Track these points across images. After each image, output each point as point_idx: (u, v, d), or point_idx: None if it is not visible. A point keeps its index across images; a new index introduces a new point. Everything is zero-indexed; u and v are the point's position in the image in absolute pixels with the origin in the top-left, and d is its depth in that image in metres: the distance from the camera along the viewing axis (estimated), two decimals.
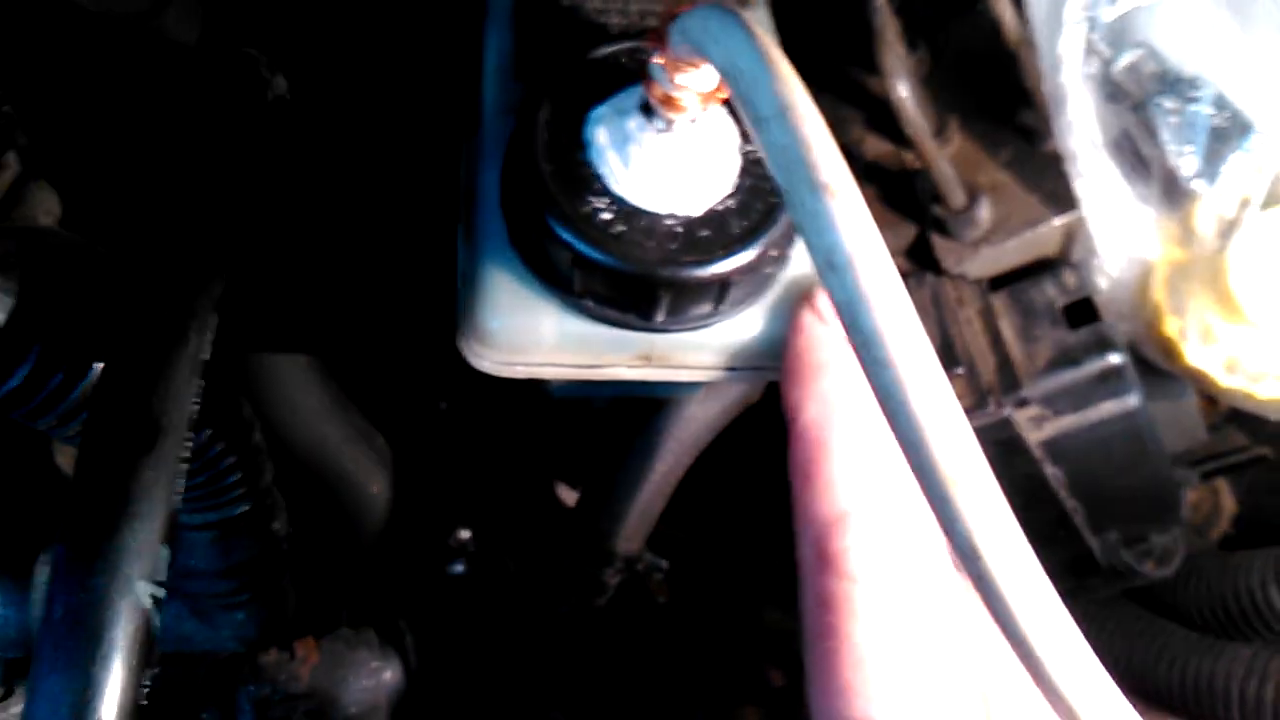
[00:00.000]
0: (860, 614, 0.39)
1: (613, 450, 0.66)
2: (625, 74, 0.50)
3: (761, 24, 0.58)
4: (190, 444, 0.38)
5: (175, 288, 0.40)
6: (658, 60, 0.42)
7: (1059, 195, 0.61)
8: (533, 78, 0.55)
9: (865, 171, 0.68)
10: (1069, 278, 0.60)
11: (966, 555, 0.30)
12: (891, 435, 0.42)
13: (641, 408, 0.65)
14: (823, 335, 0.47)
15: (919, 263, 0.65)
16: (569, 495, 0.84)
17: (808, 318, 0.48)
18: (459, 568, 0.82)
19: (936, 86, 0.67)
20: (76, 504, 0.35)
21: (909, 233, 0.65)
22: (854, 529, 0.41)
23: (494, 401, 0.82)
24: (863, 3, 0.59)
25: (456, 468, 0.79)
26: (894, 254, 0.68)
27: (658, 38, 0.41)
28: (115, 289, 0.43)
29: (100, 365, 0.43)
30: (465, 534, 0.84)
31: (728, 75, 0.36)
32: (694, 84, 0.42)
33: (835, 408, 0.44)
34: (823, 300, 0.48)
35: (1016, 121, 0.64)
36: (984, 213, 0.61)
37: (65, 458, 0.60)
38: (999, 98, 0.66)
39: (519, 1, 0.59)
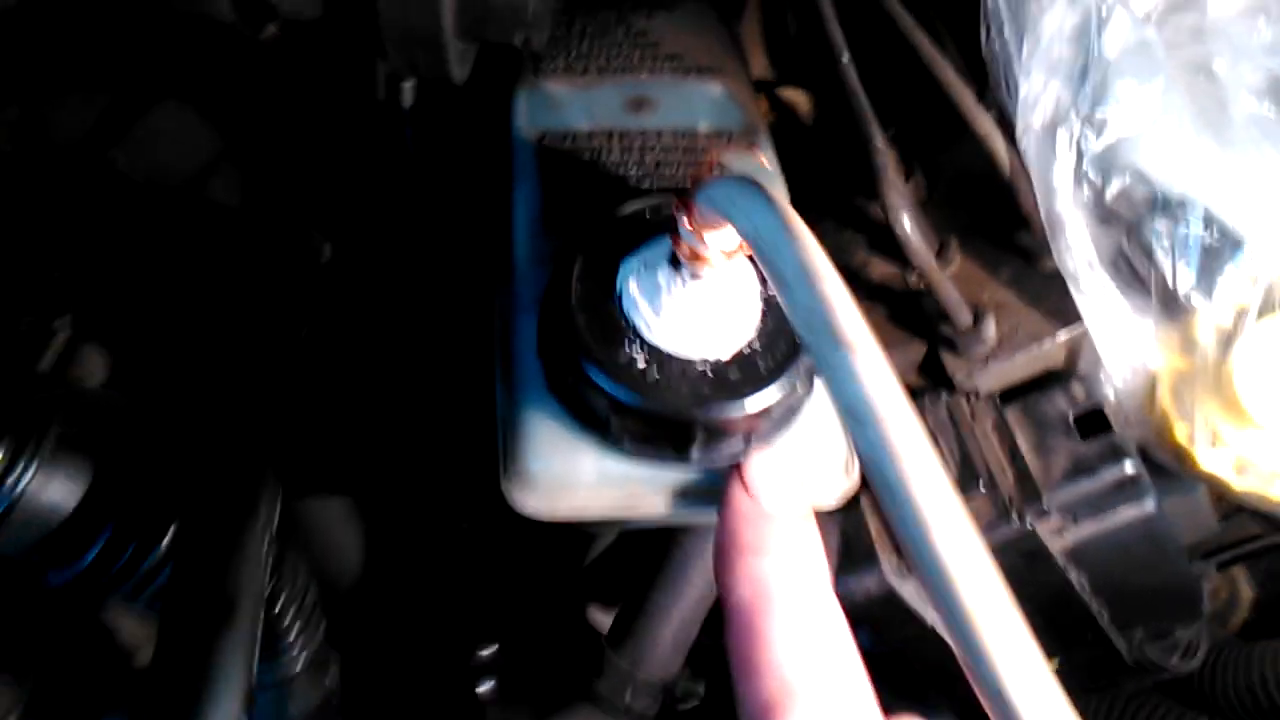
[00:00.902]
0: None
1: (646, 575, 0.68)
2: (651, 227, 0.53)
3: (777, 187, 0.62)
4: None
5: (245, 458, 0.42)
6: (685, 222, 0.45)
7: (1061, 310, 0.64)
8: (563, 231, 0.59)
9: (871, 292, 0.71)
10: (1077, 390, 0.62)
11: (995, 699, 0.31)
12: (827, 614, 0.44)
13: (674, 531, 0.67)
14: (751, 512, 0.47)
15: (930, 378, 0.68)
16: (603, 617, 0.85)
17: (736, 493, 0.48)
18: (488, 686, 0.83)
19: (934, 208, 0.71)
20: (159, 684, 0.37)
21: (918, 350, 0.68)
22: (791, 715, 0.40)
23: (521, 525, 0.84)
24: (864, 144, 0.63)
25: (484, 589, 0.80)
26: (905, 370, 0.71)
27: (684, 203, 0.44)
28: (182, 459, 0.45)
29: (169, 537, 0.45)
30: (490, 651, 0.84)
31: (752, 240, 0.39)
32: (718, 242, 0.45)
33: (767, 591, 0.44)
34: (752, 471, 0.48)
35: (1015, 241, 0.68)
36: (990, 330, 0.64)
37: (127, 621, 0.61)
38: (996, 219, 0.69)
39: (543, 159, 0.63)
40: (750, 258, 0.48)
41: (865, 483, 0.45)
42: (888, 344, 0.72)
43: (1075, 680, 0.75)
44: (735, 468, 0.49)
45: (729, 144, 0.65)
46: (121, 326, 0.70)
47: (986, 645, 0.32)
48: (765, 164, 0.62)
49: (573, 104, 0.67)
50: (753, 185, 0.39)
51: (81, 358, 0.67)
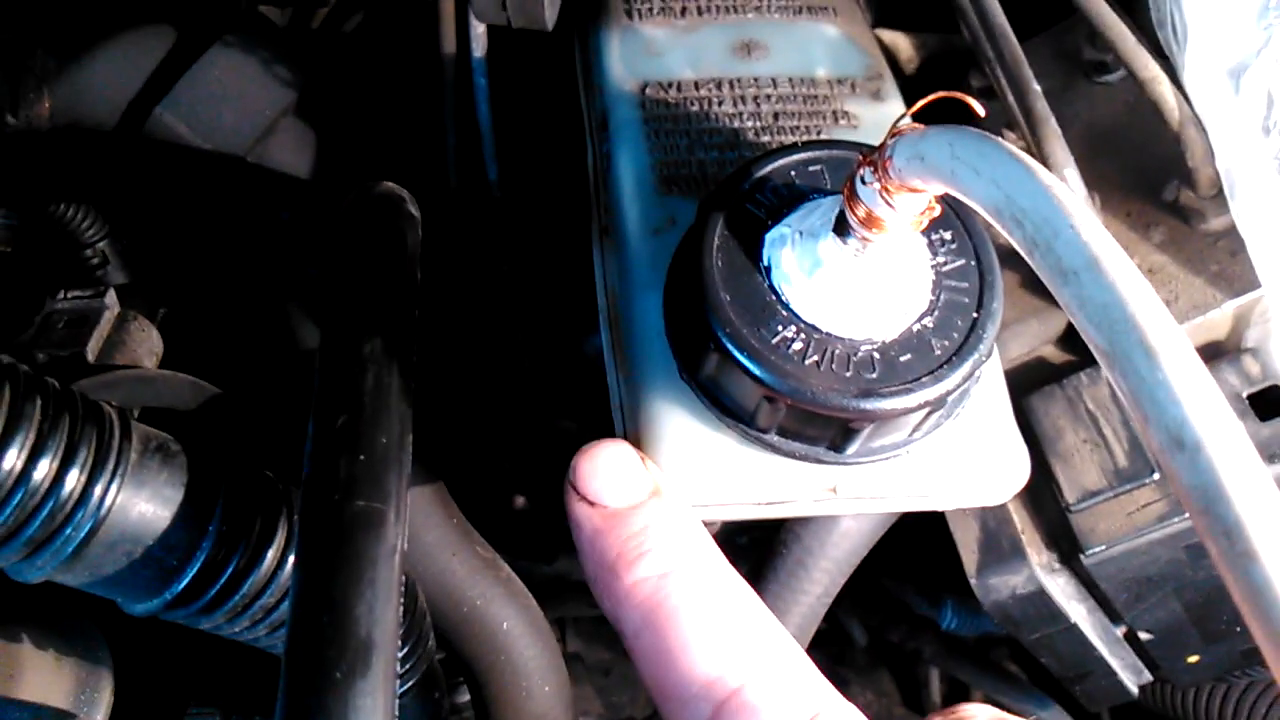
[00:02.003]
0: None
1: (761, 569, 0.62)
2: (795, 191, 0.46)
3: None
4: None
5: (371, 466, 0.36)
6: (871, 180, 0.38)
7: (1227, 276, 0.58)
8: (680, 195, 0.52)
9: (1003, 256, 0.64)
10: (1250, 365, 0.56)
11: None
12: (733, 598, 0.39)
13: (791, 520, 0.61)
14: (601, 525, 0.41)
15: (1075, 351, 0.61)
16: None
17: (578, 508, 0.41)
18: None
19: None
20: None
21: (1059, 321, 0.62)
22: None
23: None
24: (1016, 90, 0.56)
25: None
26: (1044, 343, 0.64)
27: (873, 159, 0.38)
28: (285, 455, 0.39)
29: (275, 549, 0.39)
30: None
31: (1002, 216, 0.32)
32: (908, 206, 0.39)
33: (658, 603, 0.38)
34: (583, 475, 0.42)
35: (1164, 199, 0.61)
36: None
37: None
38: (1137, 176, 0.62)
39: (647, 113, 0.56)
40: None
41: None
42: (1024, 313, 0.65)
43: (1211, 671, 0.70)
44: (567, 483, 0.42)
45: (853, 92, 0.58)
46: (174, 303, 0.63)
47: None
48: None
49: (674, 49, 0.60)
50: (998, 144, 0.33)
51: (132, 337, 0.60)
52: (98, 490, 0.35)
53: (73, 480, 0.35)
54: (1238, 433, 0.27)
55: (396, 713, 0.33)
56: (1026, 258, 0.31)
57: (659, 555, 0.40)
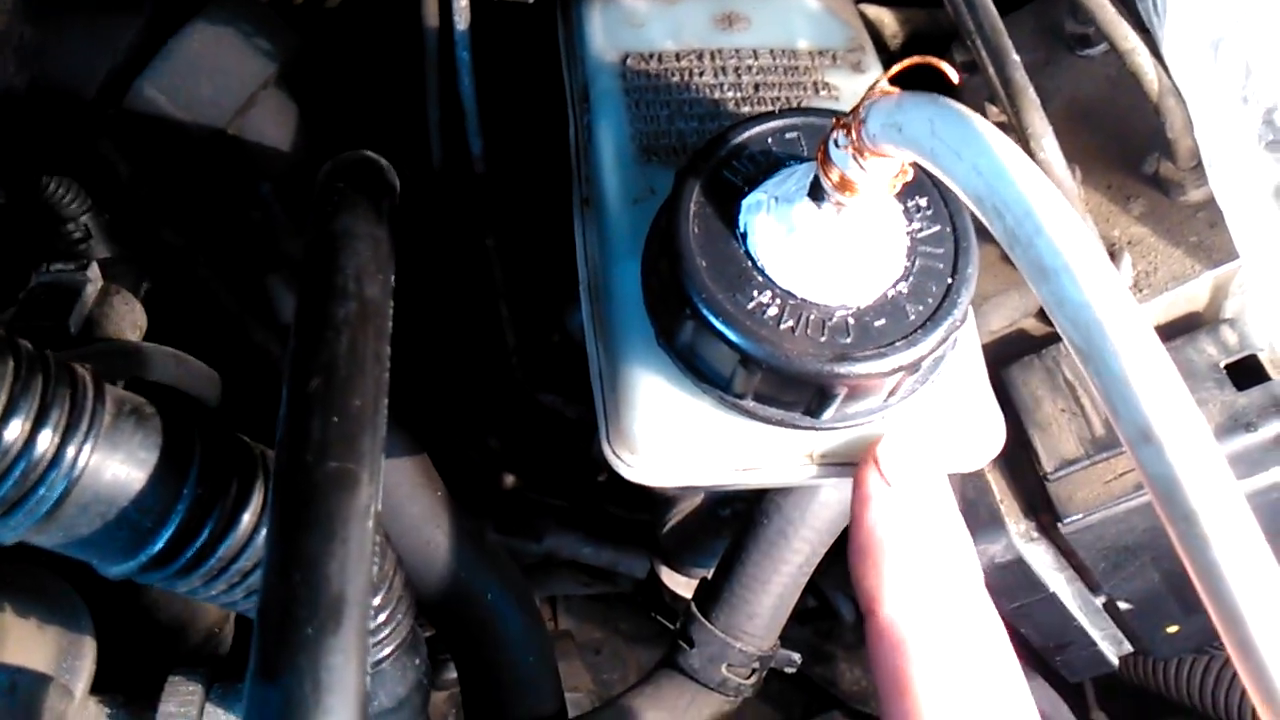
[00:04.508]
0: None
1: (742, 539, 0.62)
2: (772, 158, 0.47)
3: None
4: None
5: (344, 427, 0.36)
6: (845, 144, 0.38)
7: (1206, 247, 0.58)
8: (659, 165, 0.52)
9: (981, 226, 0.64)
10: (1228, 335, 0.56)
11: None
12: (986, 638, 0.40)
13: (770, 491, 0.61)
14: (892, 506, 0.42)
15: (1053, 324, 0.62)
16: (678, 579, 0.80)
17: (873, 484, 0.43)
18: None
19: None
20: (261, 701, 0.31)
21: None
22: None
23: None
24: (995, 60, 0.56)
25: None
26: (1025, 316, 0.64)
27: (847, 122, 0.38)
28: (259, 419, 0.39)
29: (250, 513, 0.39)
30: None
31: (982, 205, 0.33)
32: (881, 170, 0.39)
33: (919, 610, 0.40)
34: (887, 456, 0.43)
35: (1144, 170, 0.61)
36: (1127, 270, 0.58)
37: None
38: (1118, 148, 0.63)
39: (627, 84, 0.56)
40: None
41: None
42: (1005, 286, 0.65)
43: (1191, 642, 0.70)
44: (867, 454, 0.44)
45: (833, 64, 0.59)
46: (158, 277, 0.63)
47: None
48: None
49: (655, 21, 0.60)
50: (980, 126, 0.33)
51: (115, 311, 0.60)
52: (71, 451, 0.35)
53: (45, 441, 0.35)
54: (1198, 430, 0.29)
55: (369, 671, 0.33)
56: (1005, 249, 0.32)
57: (932, 565, 0.41)
